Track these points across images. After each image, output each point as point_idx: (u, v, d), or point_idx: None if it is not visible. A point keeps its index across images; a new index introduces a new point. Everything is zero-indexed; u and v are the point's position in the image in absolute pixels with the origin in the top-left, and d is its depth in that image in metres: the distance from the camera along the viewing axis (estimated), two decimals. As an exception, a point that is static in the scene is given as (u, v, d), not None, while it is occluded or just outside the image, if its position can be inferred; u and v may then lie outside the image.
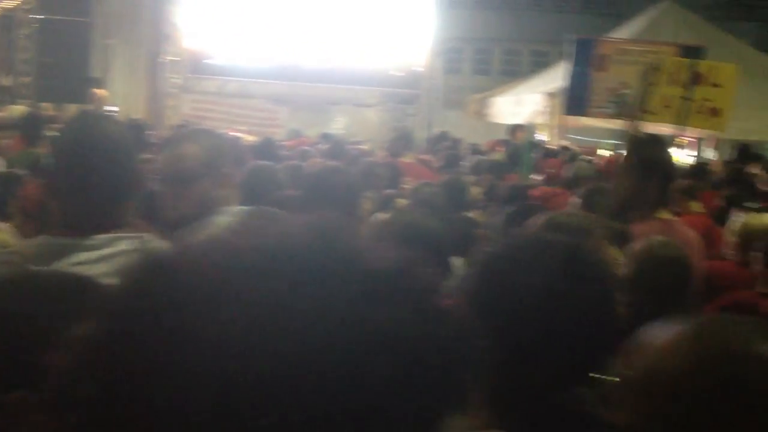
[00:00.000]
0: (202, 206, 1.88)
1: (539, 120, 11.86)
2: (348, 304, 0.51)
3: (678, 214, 5.65)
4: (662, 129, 8.41)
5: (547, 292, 1.24)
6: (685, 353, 1.00)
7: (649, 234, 3.24)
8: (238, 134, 9.53)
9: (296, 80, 13.98)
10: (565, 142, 10.88)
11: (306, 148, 7.70)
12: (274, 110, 13.98)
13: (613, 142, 10.92)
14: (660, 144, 3.77)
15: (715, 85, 7.53)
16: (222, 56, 13.98)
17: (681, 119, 7.54)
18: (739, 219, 4.01)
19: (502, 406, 1.23)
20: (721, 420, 0.95)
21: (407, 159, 6.84)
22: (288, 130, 12.27)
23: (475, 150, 9.30)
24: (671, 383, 0.98)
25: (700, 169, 7.77)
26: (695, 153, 10.12)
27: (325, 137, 8.90)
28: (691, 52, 9.46)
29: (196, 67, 13.98)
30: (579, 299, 1.24)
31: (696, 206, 5.83)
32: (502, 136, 11.12)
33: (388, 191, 3.77)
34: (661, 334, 1.05)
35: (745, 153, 9.19)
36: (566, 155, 8.00)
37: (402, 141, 7.10)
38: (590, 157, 8.85)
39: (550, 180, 6.64)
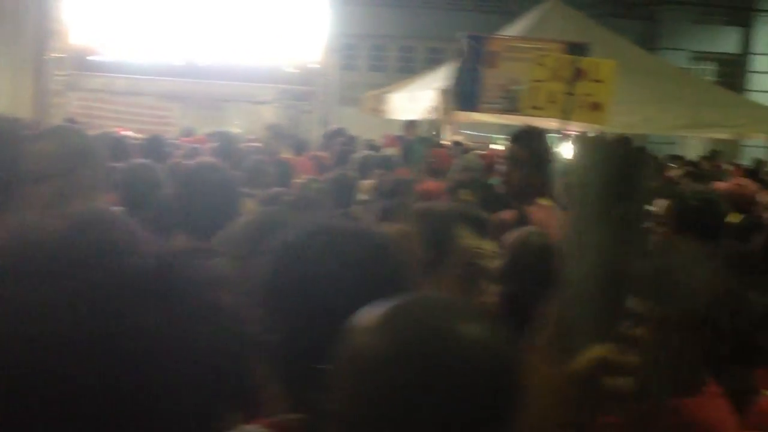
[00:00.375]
0: (52, 205, 1.81)
1: (433, 116, 12.03)
2: (85, 301, 0.49)
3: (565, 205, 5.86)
4: (549, 123, 8.67)
5: (335, 280, 1.23)
6: (382, 334, 0.98)
7: (534, 219, 3.35)
8: (128, 132, 9.27)
9: (189, 77, 13.70)
10: (458, 138, 11.07)
11: (195, 146, 7.54)
12: (166, 108, 13.65)
13: (505, 136, 11.19)
14: (545, 137, 3.92)
15: (596, 81, 7.80)
16: (110, 53, 13.56)
17: (565, 114, 7.77)
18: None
19: (297, 395, 1.24)
20: (420, 401, 0.93)
21: (287, 155, 6.81)
22: (181, 128, 12.01)
23: (371, 146, 9.34)
24: (370, 366, 0.97)
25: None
26: (582, 146, 10.47)
27: (217, 135, 8.74)
28: (576, 48, 9.79)
29: (83, 64, 13.50)
30: (367, 286, 1.20)
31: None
32: (399, 132, 11.22)
33: (275, 189, 3.73)
34: (367, 316, 1.02)
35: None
36: (457, 150, 8.13)
37: (278, 138, 7.06)
38: (480, 152, 9.02)
39: (436, 173, 6.74)
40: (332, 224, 1.38)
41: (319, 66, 13.51)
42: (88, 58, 13.45)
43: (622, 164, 0.88)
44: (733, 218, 3.82)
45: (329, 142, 9.52)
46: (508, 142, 3.81)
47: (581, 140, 0.81)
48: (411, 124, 10.65)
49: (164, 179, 3.81)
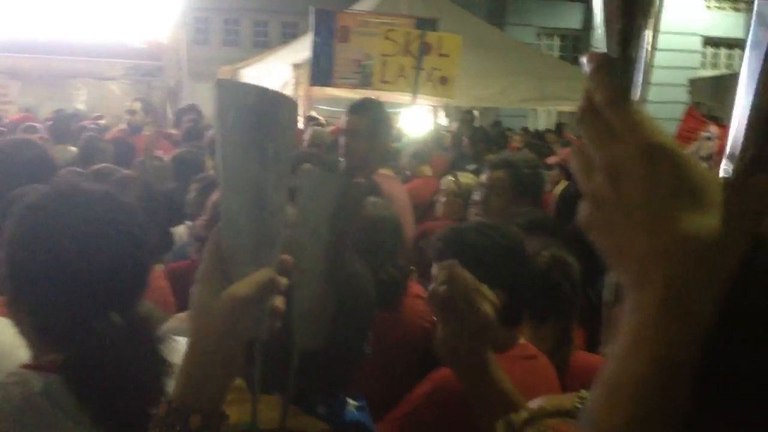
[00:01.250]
0: None
1: (288, 91, 11.91)
2: None
3: (409, 177, 5.96)
4: (400, 98, 8.78)
5: (79, 238, 1.38)
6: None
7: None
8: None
9: (29, 53, 12.93)
10: (313, 113, 11.02)
11: (32, 124, 7.14)
12: (4, 85, 12.85)
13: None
14: (383, 108, 3.91)
15: (442, 55, 7.96)
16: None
17: (414, 88, 7.89)
18: (449, 179, 4.27)
19: (57, 339, 1.39)
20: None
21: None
22: (20, 106, 11.36)
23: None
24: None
25: (434, 134, 8.20)
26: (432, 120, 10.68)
27: (57, 113, 8.32)
28: (425, 23, 9.92)
29: None
30: (110, 243, 1.40)
31: (426, 170, 6.15)
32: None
33: (101, 165, 3.58)
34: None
35: (470, 119, 9.81)
36: (309, 125, 8.09)
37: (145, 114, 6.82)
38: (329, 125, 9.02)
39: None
40: (77, 186, 1.50)
41: (167, 41, 13.07)
42: None
43: (257, 108, 0.97)
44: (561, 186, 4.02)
45: (179, 119, 9.27)
46: (345, 115, 3.80)
47: (220, 86, 0.87)
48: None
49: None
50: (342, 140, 3.86)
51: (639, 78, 0.64)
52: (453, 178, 4.18)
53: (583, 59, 0.65)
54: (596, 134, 0.64)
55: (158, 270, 2.24)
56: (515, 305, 2.02)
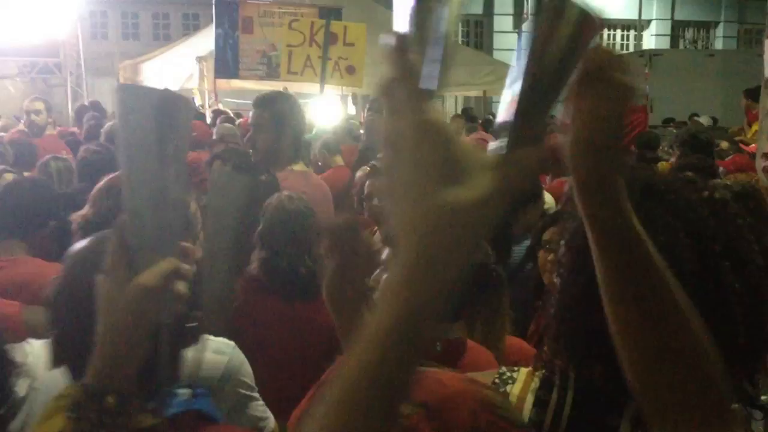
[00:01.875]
0: None
1: (192, 84, 11.72)
2: None
3: (322, 168, 5.97)
4: (308, 88, 8.77)
5: None
6: None
7: (289, 184, 3.37)
8: None
9: None
10: (220, 106, 10.88)
11: None
12: None
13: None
14: (290, 100, 3.89)
15: (348, 44, 7.98)
16: None
17: (322, 78, 7.90)
18: (362, 173, 4.31)
19: None
20: None
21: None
22: None
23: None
24: None
25: (345, 124, 8.21)
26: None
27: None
28: (330, 13, 9.93)
29: None
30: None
31: (338, 159, 6.17)
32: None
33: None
34: None
35: (379, 108, 9.86)
36: (215, 119, 7.99)
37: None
38: (236, 119, 8.92)
39: (196, 145, 6.60)
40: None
41: (64, 36, 12.61)
42: None
43: (158, 110, 1.05)
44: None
45: (80, 118, 8.99)
46: (252, 108, 3.78)
47: (121, 90, 0.96)
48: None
49: None
50: (249, 134, 3.84)
51: (441, 59, 0.68)
52: (370, 168, 4.22)
53: (385, 38, 0.69)
54: (388, 108, 0.69)
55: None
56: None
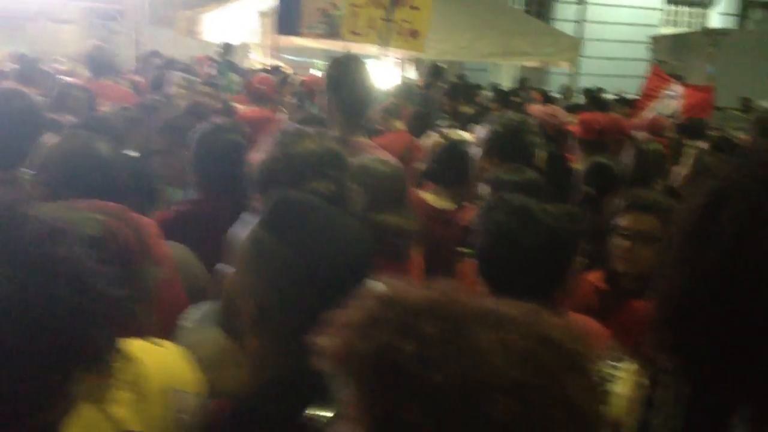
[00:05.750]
0: None
1: (254, 39, 11.72)
2: None
3: (382, 131, 5.95)
4: (369, 50, 8.71)
5: None
6: None
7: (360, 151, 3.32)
8: None
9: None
10: (277, 62, 10.88)
11: (-3, 69, 6.91)
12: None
13: (325, 62, 11.11)
14: (349, 64, 3.75)
15: (413, 8, 7.89)
16: None
17: (384, 40, 7.84)
18: (431, 136, 4.28)
19: None
20: None
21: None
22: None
23: (185, 69, 8.95)
24: None
25: (405, 88, 8.16)
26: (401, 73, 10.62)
27: (19, 57, 8.04)
28: (396, -26, 9.80)
29: None
30: None
31: (399, 124, 6.15)
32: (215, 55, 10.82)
33: (87, 116, 3.49)
34: None
35: (437, 72, 9.75)
36: (279, 76, 7.99)
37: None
38: (300, 77, 8.92)
39: (258, 99, 6.62)
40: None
41: (128, -17, 12.70)
42: None
43: None
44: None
45: (144, 66, 9.06)
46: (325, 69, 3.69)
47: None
48: (227, 48, 10.30)
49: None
50: (321, 97, 3.76)
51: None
52: (440, 135, 4.19)
53: None
54: None
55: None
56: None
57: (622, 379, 1.27)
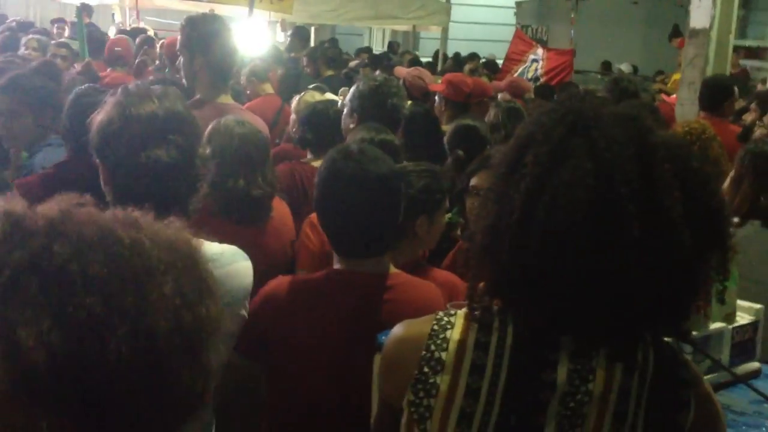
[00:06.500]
0: None
1: (111, 1, 11.22)
2: None
3: (249, 96, 5.84)
4: (235, 12, 8.51)
5: None
6: None
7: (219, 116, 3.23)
8: None
9: None
10: (142, 24, 10.45)
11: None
12: None
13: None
14: (211, 24, 3.62)
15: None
16: None
17: (251, 2, 7.68)
18: (299, 97, 4.25)
19: None
20: None
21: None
22: None
23: (40, 32, 8.47)
24: None
25: (273, 51, 8.01)
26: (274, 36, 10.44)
27: None
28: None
29: None
30: None
31: (267, 87, 6.03)
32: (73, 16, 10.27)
33: None
34: None
35: (301, 35, 9.56)
36: (142, 38, 7.65)
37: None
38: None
39: (114, 62, 6.38)
40: None
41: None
42: None
43: None
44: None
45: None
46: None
47: None
48: (86, 8, 9.76)
49: None
50: (179, 60, 3.65)
51: None
52: (307, 98, 4.15)
53: None
54: None
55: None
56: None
57: (456, 326, 1.30)
